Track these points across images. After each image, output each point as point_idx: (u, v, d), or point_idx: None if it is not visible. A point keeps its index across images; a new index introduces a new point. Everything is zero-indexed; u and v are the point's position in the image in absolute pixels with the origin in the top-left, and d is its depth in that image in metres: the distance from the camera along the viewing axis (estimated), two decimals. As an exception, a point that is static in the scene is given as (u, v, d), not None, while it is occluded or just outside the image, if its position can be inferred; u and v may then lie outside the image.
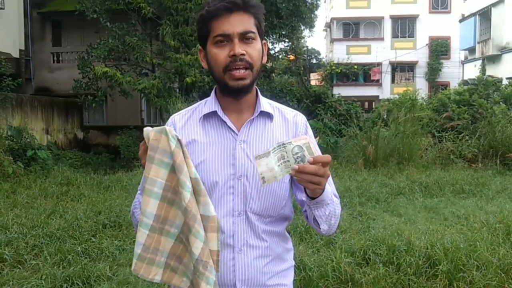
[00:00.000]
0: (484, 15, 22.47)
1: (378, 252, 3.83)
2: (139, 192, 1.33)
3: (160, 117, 14.44)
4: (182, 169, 1.16)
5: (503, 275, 3.43)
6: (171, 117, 1.42)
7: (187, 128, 1.35)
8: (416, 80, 29.62)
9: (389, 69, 29.79)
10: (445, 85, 25.92)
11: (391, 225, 4.84)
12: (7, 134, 10.12)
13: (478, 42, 22.78)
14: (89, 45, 13.43)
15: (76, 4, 13.22)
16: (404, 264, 3.60)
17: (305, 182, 1.15)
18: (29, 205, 6.20)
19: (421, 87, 24.65)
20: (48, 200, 6.49)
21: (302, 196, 1.31)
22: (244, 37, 1.26)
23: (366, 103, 28.90)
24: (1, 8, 13.81)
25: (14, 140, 10.03)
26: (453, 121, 10.75)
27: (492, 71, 20.83)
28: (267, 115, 1.36)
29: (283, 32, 16.65)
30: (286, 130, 1.38)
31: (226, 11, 1.25)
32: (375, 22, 30.47)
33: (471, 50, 24.10)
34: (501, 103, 11.34)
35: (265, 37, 1.36)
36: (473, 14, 23.40)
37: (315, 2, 17.46)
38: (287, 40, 18.14)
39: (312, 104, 16.92)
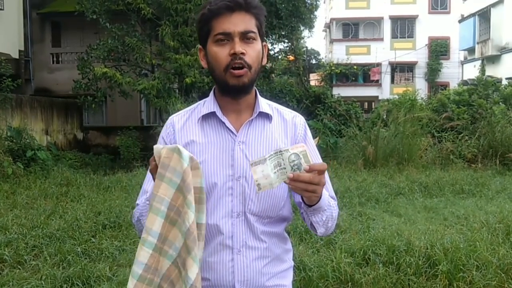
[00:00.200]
0: (484, 15, 22.49)
1: (378, 252, 3.83)
2: (147, 202, 1.28)
3: (159, 118, 14.45)
4: (190, 189, 1.15)
5: (503, 275, 3.43)
6: (170, 117, 1.41)
7: (185, 129, 1.35)
8: (415, 80, 29.64)
9: (389, 69, 29.82)
10: (445, 86, 25.95)
11: (391, 225, 4.84)
12: (7, 135, 10.12)
13: (478, 43, 22.80)
14: (89, 46, 13.44)
15: (76, 5, 13.24)
16: (404, 264, 3.60)
17: (300, 190, 1.15)
18: (29, 205, 6.20)
19: (421, 87, 24.69)
20: (48, 201, 6.49)
21: (299, 198, 1.31)
22: (245, 37, 1.26)
23: (366, 104, 28.92)
24: (1, 9, 13.81)
25: (14, 140, 10.03)
26: (453, 121, 10.76)
27: (492, 71, 20.85)
28: (266, 116, 1.36)
29: (283, 33, 16.66)
30: (285, 131, 1.38)
31: (228, 10, 1.25)
32: (374, 23, 30.48)
33: (471, 51, 24.12)
34: (500, 103, 11.35)
35: (265, 38, 1.36)
36: (473, 15, 23.42)
37: (315, 3, 17.48)
38: (286, 40, 18.15)
39: (312, 105, 16.93)
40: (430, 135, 10.49)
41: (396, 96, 14.01)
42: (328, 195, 1.32)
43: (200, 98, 1.45)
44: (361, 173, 8.39)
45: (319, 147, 9.94)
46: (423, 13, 29.85)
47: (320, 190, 1.17)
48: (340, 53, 29.06)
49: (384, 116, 11.80)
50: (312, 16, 17.72)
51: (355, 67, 28.80)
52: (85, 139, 16.08)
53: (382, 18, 30.00)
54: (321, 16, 33.78)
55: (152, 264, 1.18)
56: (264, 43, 1.33)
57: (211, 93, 1.38)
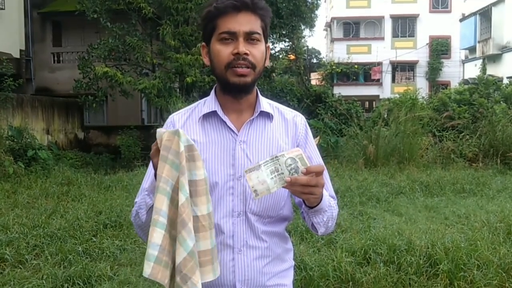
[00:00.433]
0: (485, 14, 22.47)
1: (379, 251, 3.83)
2: (146, 192, 1.27)
3: (160, 117, 14.45)
4: (184, 172, 1.15)
5: (504, 274, 3.43)
6: (170, 116, 1.41)
7: (186, 127, 1.34)
8: (416, 79, 29.63)
9: (390, 68, 29.79)
10: (446, 85, 25.94)
11: (392, 224, 4.84)
12: (8, 134, 10.13)
13: (479, 42, 22.78)
14: (90, 45, 13.44)
15: (77, 4, 13.24)
16: (404, 264, 3.60)
17: (299, 193, 1.15)
18: (30, 205, 6.20)
19: (422, 86, 24.65)
20: (49, 200, 6.50)
21: (300, 199, 1.31)
22: (249, 37, 1.26)
23: (367, 103, 28.93)
24: (2, 9, 13.84)
25: (15, 140, 10.04)
26: (454, 121, 10.75)
27: (493, 70, 20.84)
28: (267, 115, 1.36)
29: (284, 32, 16.66)
30: (285, 130, 1.38)
31: (234, 9, 1.25)
32: (375, 22, 30.46)
33: (472, 50, 24.11)
34: (501, 102, 11.35)
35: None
36: (474, 14, 23.40)
37: (315, 2, 17.47)
38: (287, 39, 18.15)
39: (313, 104, 16.93)
40: (431, 134, 10.48)
41: (397, 95, 14.01)
42: (328, 195, 1.32)
43: (201, 97, 1.45)
44: (362, 172, 8.39)
45: (319, 146, 9.96)
46: (424, 12, 29.83)
47: (318, 191, 1.17)
48: (341, 52, 29.05)
49: (385, 115, 11.78)
50: (313, 15, 17.72)
51: (356, 66, 28.79)
52: (86, 138, 16.09)
53: (383, 17, 29.99)
54: (322, 15, 33.73)
55: (166, 246, 1.16)
56: (267, 44, 1.33)
57: (212, 92, 1.37)
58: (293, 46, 18.93)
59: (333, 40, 31.03)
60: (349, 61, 28.50)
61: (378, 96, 28.11)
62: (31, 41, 16.87)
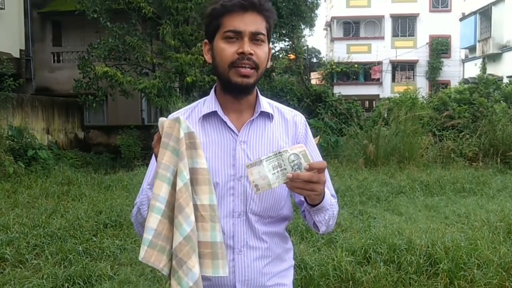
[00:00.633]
0: (485, 13, 22.46)
1: (379, 251, 3.83)
2: (148, 187, 1.27)
3: (160, 117, 14.43)
4: (183, 158, 1.16)
5: (504, 273, 3.43)
6: (169, 116, 1.41)
7: (186, 127, 1.35)
8: (416, 79, 29.61)
9: (390, 68, 29.78)
10: (446, 84, 25.92)
11: (392, 224, 4.84)
12: (8, 134, 10.13)
13: (479, 41, 22.77)
14: (90, 45, 13.44)
15: (76, 4, 13.23)
16: (405, 263, 3.60)
17: (301, 190, 1.15)
18: (30, 204, 6.21)
19: (422, 85, 24.64)
20: (49, 200, 6.50)
21: (300, 197, 1.31)
22: (255, 38, 1.26)
23: (367, 102, 28.93)
24: (1, 8, 13.83)
25: (15, 140, 10.04)
26: (454, 120, 10.75)
27: (493, 69, 20.83)
28: (267, 115, 1.36)
29: (283, 31, 16.64)
30: (286, 130, 1.38)
31: (241, 8, 1.24)
32: (375, 21, 30.45)
33: (472, 49, 24.09)
34: (501, 101, 11.34)
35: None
36: (474, 13, 23.38)
37: (315, 1, 17.46)
38: (287, 39, 18.13)
39: (313, 103, 16.91)
40: (431, 134, 10.48)
41: (397, 95, 13.98)
42: (329, 194, 1.32)
43: (201, 97, 1.44)
44: (362, 172, 8.39)
45: (319, 146, 9.95)
46: (424, 12, 29.81)
47: (320, 188, 1.17)
48: (341, 52, 29.03)
49: (385, 115, 11.78)
50: (312, 14, 17.70)
51: (356, 65, 28.78)
52: (86, 138, 16.10)
53: (383, 16, 29.97)
54: (322, 14, 33.71)
55: (162, 231, 1.16)
56: (269, 45, 1.33)
57: (212, 92, 1.37)
58: (293, 45, 18.91)
59: (333, 40, 31.02)
60: (349, 60, 28.48)
61: (378, 95, 28.10)
62: (31, 41, 16.87)
